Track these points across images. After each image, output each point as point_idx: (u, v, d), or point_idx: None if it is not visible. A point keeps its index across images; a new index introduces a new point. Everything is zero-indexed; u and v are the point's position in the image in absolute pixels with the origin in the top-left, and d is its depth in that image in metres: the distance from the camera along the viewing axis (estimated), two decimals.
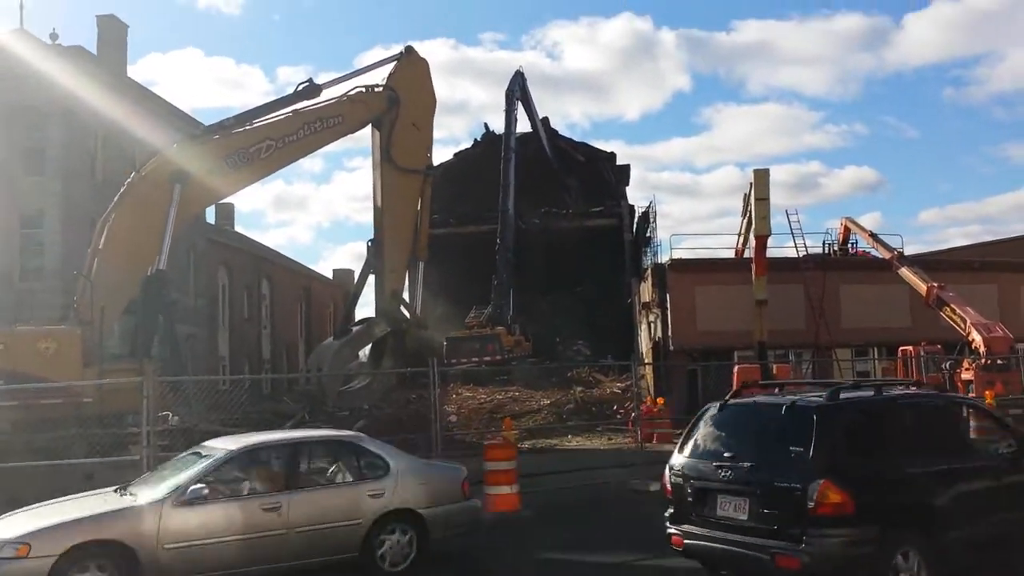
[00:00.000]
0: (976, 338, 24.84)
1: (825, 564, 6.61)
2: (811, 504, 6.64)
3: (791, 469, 6.92)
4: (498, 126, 52.28)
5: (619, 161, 56.36)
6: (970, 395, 22.91)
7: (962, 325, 25.76)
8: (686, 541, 7.70)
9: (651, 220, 48.17)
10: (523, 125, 50.54)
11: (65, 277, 24.26)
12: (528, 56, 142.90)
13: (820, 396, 7.59)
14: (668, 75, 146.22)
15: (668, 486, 8.09)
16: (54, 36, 33.19)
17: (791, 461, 6.98)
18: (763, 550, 6.87)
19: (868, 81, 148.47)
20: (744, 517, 7.17)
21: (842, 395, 7.55)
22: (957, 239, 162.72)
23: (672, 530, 7.90)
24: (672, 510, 8.00)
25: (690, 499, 7.74)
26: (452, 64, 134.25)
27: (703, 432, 8.06)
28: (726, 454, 7.52)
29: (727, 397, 8.26)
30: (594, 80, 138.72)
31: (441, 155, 57.28)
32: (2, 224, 30.26)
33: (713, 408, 8.22)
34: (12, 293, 26.21)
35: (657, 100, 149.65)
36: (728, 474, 7.35)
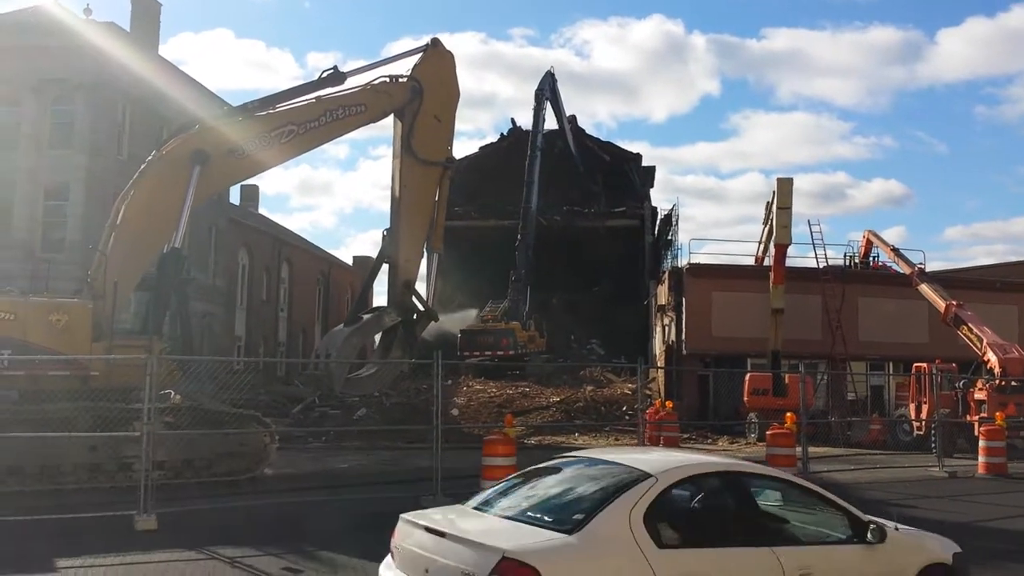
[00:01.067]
0: (992, 358, 24.56)
1: None
2: None
3: None
4: (524, 121, 52.48)
5: (644, 163, 56.18)
6: (981, 415, 22.72)
7: (978, 345, 25.48)
8: None
9: (673, 223, 48.05)
10: (551, 123, 50.60)
11: (86, 251, 24.53)
12: (557, 54, 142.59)
13: None
14: (697, 79, 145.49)
15: None
16: (88, 11, 33.52)
17: None
18: None
19: (899, 94, 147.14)
20: None
21: None
22: (981, 257, 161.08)
23: None
24: None
25: None
26: (481, 58, 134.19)
27: None
28: None
29: None
30: (622, 80, 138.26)
31: (466, 148, 57.57)
32: (27, 195, 30.64)
33: None
34: (32, 264, 26.52)
35: (685, 103, 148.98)
36: None
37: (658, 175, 59.74)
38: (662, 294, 37.45)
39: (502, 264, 43.37)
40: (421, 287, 20.57)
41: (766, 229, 32.74)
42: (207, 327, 37.71)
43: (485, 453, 12.91)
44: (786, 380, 27.31)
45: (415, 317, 19.43)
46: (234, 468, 15.33)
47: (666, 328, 36.19)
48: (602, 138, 59.94)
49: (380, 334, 19.94)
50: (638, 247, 49.49)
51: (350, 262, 65.23)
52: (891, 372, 32.83)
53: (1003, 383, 23.72)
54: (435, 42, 19.91)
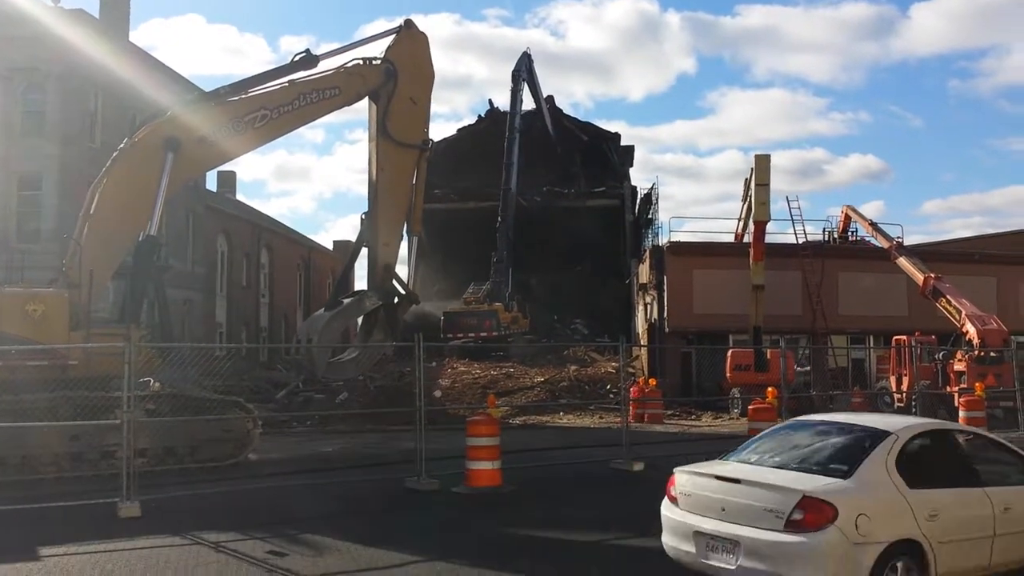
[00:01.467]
0: (970, 330, 24.78)
1: None
2: None
3: None
4: (501, 102, 52.33)
5: (622, 142, 56.16)
6: (961, 386, 22.94)
7: (957, 316, 25.70)
8: None
9: (653, 201, 48.13)
10: (528, 103, 50.47)
11: (61, 240, 24.28)
12: (532, 34, 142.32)
13: None
14: (673, 57, 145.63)
15: None
16: None
17: None
18: None
19: (873, 69, 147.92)
20: None
21: None
22: (959, 230, 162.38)
23: None
24: None
25: None
26: (455, 39, 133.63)
27: None
28: None
29: None
30: (598, 60, 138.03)
31: (443, 130, 57.34)
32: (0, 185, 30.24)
33: None
34: (7, 254, 26.18)
35: (661, 82, 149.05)
36: None
37: (637, 154, 59.76)
38: (643, 273, 37.54)
39: (483, 246, 43.30)
40: (402, 270, 20.57)
41: (745, 206, 32.83)
42: (187, 314, 37.47)
43: (468, 434, 12.92)
44: (768, 355, 27.46)
45: (396, 300, 19.39)
46: (217, 454, 15.28)
47: (648, 306, 36.29)
48: (580, 118, 59.92)
49: (362, 318, 19.90)
50: (619, 226, 49.57)
51: (331, 247, 64.93)
52: (872, 345, 33.09)
53: (982, 354, 23.93)
54: (408, 23, 19.74)
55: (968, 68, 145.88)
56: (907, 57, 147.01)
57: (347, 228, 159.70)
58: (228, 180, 56.14)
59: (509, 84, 48.41)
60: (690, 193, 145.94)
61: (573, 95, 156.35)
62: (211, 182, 48.26)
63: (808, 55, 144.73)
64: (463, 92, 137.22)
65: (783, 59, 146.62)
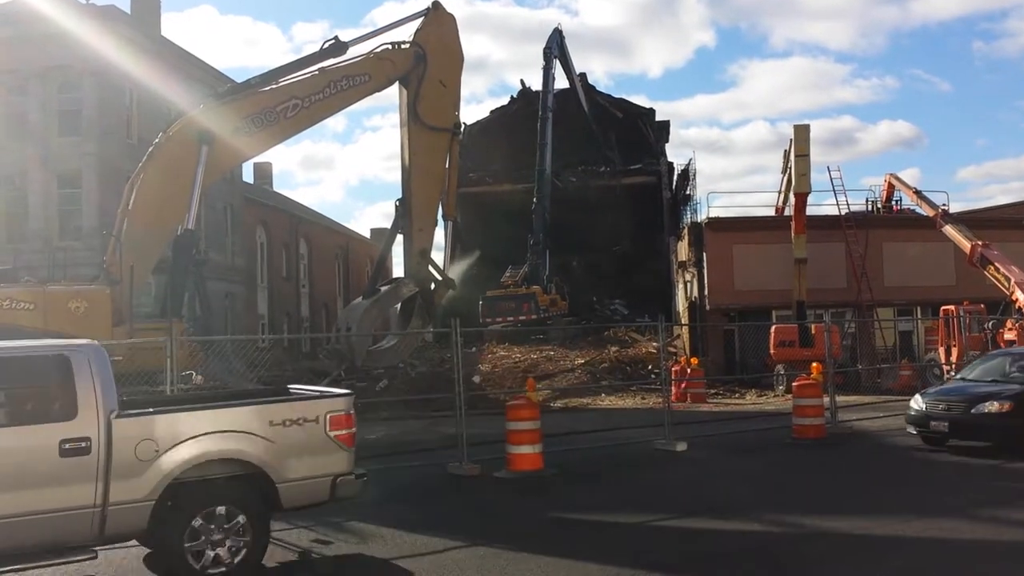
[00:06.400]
0: (1020, 297, 24.17)
1: None
2: None
3: None
4: (531, 81, 51.92)
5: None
6: None
7: (1006, 284, 25.07)
8: None
9: (690, 177, 47.50)
10: (560, 82, 49.98)
11: (103, 237, 24.59)
12: (546, 13, 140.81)
13: None
14: (690, 30, 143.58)
15: None
16: None
17: None
18: None
19: (894, 34, 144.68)
20: None
21: None
22: (999, 196, 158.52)
23: None
24: None
25: None
26: (467, 19, 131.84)
27: None
28: None
29: None
30: (614, 36, 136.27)
31: (467, 113, 56.89)
32: (40, 185, 30.70)
33: None
34: (52, 253, 26.60)
35: (679, 56, 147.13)
36: None
37: None
38: (683, 250, 37.15)
39: (519, 228, 43.09)
40: (438, 256, 20.54)
41: (785, 178, 32.26)
42: (230, 307, 37.86)
43: (509, 418, 12.80)
44: (812, 330, 27.00)
45: (432, 286, 19.37)
46: None
47: (688, 284, 35.92)
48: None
49: (400, 305, 19.92)
50: (656, 204, 49.01)
51: (367, 235, 65.25)
52: (919, 317, 32.44)
53: None
54: (436, 5, 19.62)
55: (991, 30, 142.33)
56: (927, 21, 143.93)
57: (377, 216, 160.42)
58: (264, 172, 56.59)
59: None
60: (718, 167, 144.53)
61: (592, 73, 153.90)
62: (247, 174, 48.71)
63: (826, 22, 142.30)
64: (480, 74, 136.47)
65: (800, 27, 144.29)
